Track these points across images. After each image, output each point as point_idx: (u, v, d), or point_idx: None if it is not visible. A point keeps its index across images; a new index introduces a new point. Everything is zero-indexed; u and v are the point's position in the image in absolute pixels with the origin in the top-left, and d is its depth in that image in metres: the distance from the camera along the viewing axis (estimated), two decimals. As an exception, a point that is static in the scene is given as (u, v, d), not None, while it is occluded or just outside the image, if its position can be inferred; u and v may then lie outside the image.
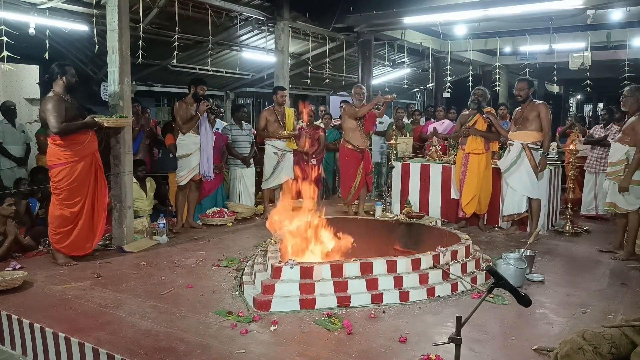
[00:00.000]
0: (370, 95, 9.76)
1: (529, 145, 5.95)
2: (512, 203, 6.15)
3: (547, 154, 6.04)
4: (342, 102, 9.66)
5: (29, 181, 6.20)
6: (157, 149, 7.65)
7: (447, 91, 11.07)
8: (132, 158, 5.68)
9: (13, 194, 5.47)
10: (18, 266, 4.69)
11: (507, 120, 8.47)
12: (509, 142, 6.18)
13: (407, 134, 8.69)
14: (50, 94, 4.81)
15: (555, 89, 20.07)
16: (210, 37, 7.43)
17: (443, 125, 8.89)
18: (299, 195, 5.27)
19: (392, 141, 7.25)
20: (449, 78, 10.76)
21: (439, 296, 4.08)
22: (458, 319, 2.29)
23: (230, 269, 4.79)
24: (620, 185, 5.18)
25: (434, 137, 8.10)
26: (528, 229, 6.28)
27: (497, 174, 6.51)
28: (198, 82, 6.31)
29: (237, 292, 4.15)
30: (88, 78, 8.76)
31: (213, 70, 9.36)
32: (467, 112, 6.61)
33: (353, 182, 6.92)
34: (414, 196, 7.15)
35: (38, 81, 7.95)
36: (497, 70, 10.45)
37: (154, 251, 5.46)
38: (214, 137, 6.62)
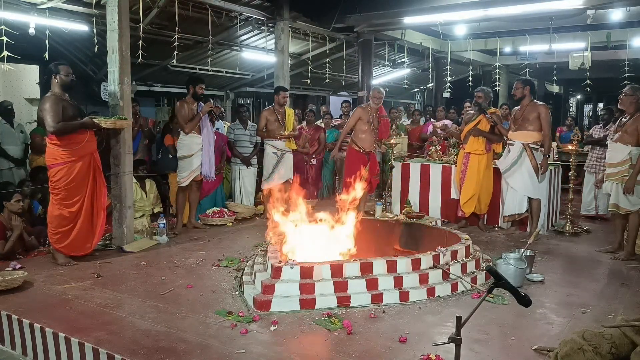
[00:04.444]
0: (370, 94, 9.76)
1: (530, 145, 5.96)
2: (513, 203, 6.15)
3: (549, 156, 6.02)
4: (343, 102, 9.68)
5: (29, 181, 6.22)
6: (157, 149, 7.65)
7: (447, 91, 11.06)
8: (132, 158, 5.68)
9: (19, 192, 5.51)
10: (18, 266, 4.70)
11: (509, 120, 8.48)
12: (509, 142, 6.17)
13: (402, 133, 8.71)
14: (49, 93, 4.83)
15: (555, 89, 20.06)
16: (210, 37, 7.42)
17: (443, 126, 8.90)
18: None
19: (392, 141, 7.25)
20: (449, 78, 10.75)
21: (439, 296, 4.08)
22: (458, 319, 2.29)
23: (230, 269, 4.79)
24: (625, 186, 5.16)
25: (434, 137, 8.10)
26: (528, 229, 6.28)
27: (497, 174, 6.51)
28: (196, 81, 6.28)
29: (237, 292, 4.16)
30: (88, 78, 8.75)
31: (213, 70, 9.36)
32: (472, 112, 6.61)
33: (359, 179, 6.88)
34: (414, 196, 7.15)
35: (38, 81, 7.95)
36: (497, 70, 10.44)
37: (154, 251, 5.46)
38: (215, 137, 6.62)
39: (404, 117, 10.80)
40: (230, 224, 6.76)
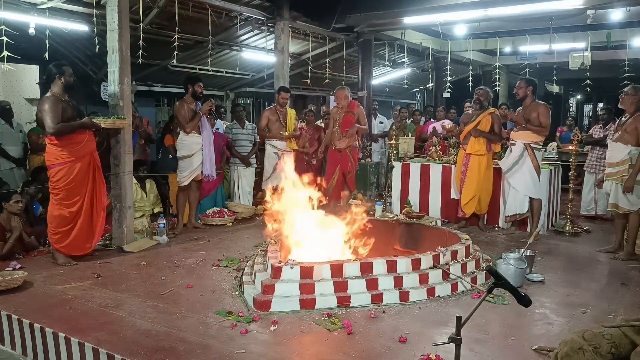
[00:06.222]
0: (370, 94, 9.78)
1: (531, 145, 5.96)
2: (515, 203, 6.15)
3: (526, 124, 5.92)
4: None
5: (30, 181, 6.22)
6: (157, 150, 7.65)
7: (447, 91, 11.07)
8: (132, 158, 5.67)
9: (20, 193, 5.51)
10: (18, 266, 4.70)
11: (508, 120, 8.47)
12: (511, 141, 6.18)
13: (410, 134, 8.69)
14: (48, 94, 4.82)
15: (555, 89, 20.06)
16: (210, 37, 7.43)
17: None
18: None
19: (392, 141, 7.26)
20: (449, 78, 10.76)
21: (439, 296, 4.08)
22: (458, 319, 2.29)
23: (230, 269, 4.79)
24: (625, 185, 5.16)
25: (434, 137, 8.10)
26: (528, 229, 6.28)
27: (497, 174, 6.51)
28: (195, 80, 6.25)
29: (237, 292, 4.16)
30: (88, 78, 8.75)
31: (213, 70, 9.35)
32: (470, 112, 6.61)
33: (330, 179, 7.00)
34: (414, 196, 7.15)
35: (38, 81, 7.95)
36: (497, 70, 10.44)
37: (154, 251, 5.46)
38: (214, 136, 6.62)
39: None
40: (230, 224, 6.76)
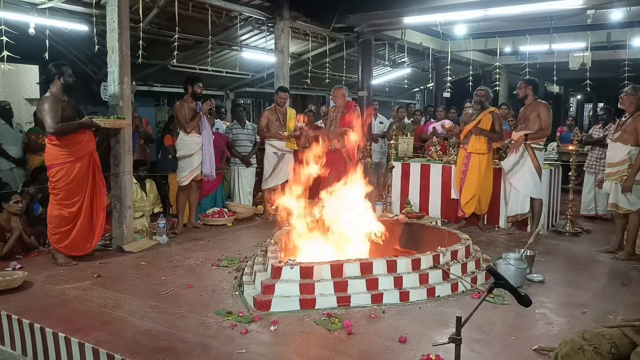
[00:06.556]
0: (370, 94, 9.77)
1: (532, 145, 5.96)
2: (516, 204, 6.16)
3: (526, 136, 5.95)
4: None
5: (30, 181, 6.22)
6: (157, 150, 7.65)
7: (447, 91, 11.06)
8: (132, 158, 5.68)
9: (19, 193, 5.51)
10: (18, 266, 4.70)
11: (508, 120, 8.47)
12: (512, 142, 6.17)
13: (409, 133, 8.69)
14: (47, 94, 4.82)
15: (555, 89, 20.05)
16: (210, 37, 7.42)
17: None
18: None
19: (391, 141, 7.25)
20: (449, 78, 10.74)
21: (439, 296, 4.08)
22: (458, 319, 2.29)
23: (230, 269, 4.79)
24: (623, 185, 5.16)
25: (434, 137, 8.09)
26: (528, 229, 6.29)
27: (497, 174, 6.51)
28: (194, 80, 6.29)
29: (237, 292, 4.16)
30: (88, 78, 8.75)
31: (213, 70, 9.35)
32: (470, 112, 6.61)
33: (327, 178, 6.98)
34: (414, 196, 7.15)
35: (38, 81, 7.95)
36: (497, 70, 10.44)
37: (154, 251, 5.46)
38: (213, 136, 6.62)
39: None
40: (230, 224, 6.76)
